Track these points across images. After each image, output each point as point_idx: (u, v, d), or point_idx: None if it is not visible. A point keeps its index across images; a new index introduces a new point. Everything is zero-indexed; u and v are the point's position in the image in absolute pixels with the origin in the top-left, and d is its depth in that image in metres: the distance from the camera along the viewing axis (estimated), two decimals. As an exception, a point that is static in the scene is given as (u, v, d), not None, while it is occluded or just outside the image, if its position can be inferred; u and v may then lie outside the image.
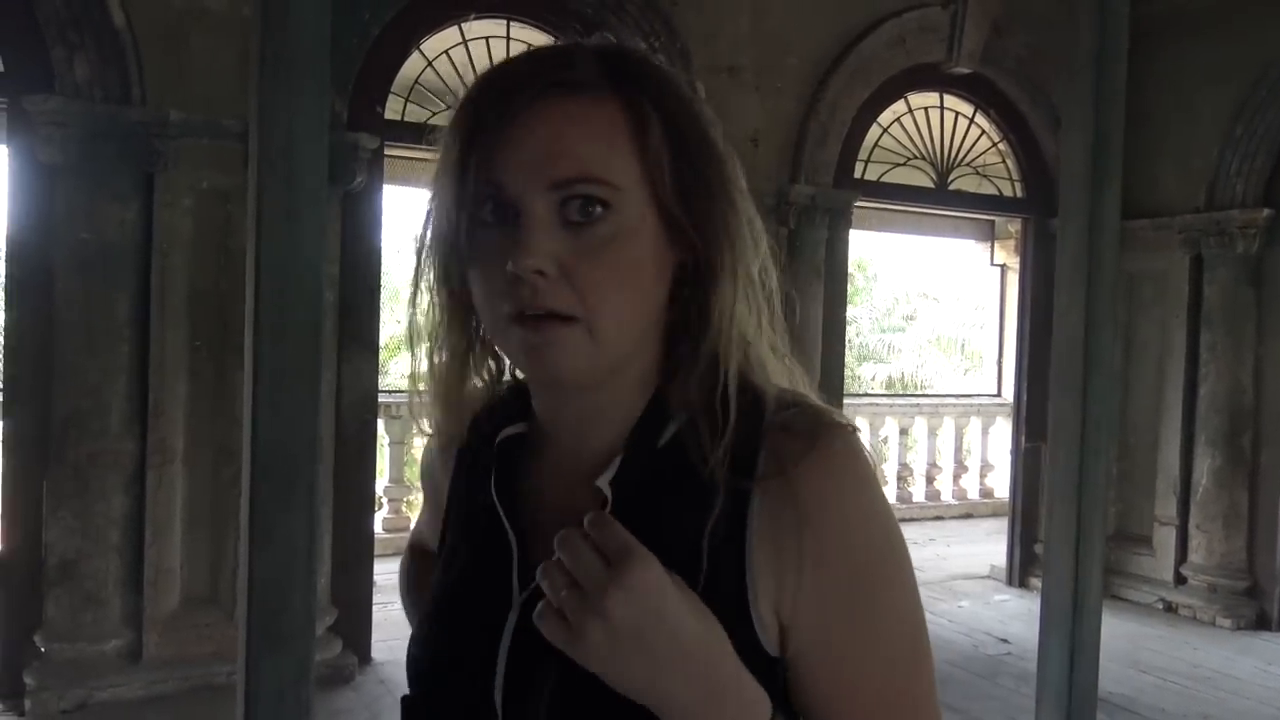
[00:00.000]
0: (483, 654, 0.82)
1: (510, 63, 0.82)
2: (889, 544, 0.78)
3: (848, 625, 0.77)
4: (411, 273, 0.87)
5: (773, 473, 0.77)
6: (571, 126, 0.77)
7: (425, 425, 0.95)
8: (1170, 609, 6.50)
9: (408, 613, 1.14)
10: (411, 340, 0.89)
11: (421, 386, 0.91)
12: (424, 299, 0.87)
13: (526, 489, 0.88)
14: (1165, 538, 6.57)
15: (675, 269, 0.82)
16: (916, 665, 0.80)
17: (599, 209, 0.76)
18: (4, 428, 4.62)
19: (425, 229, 0.86)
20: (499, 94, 0.78)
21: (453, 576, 0.90)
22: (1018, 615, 6.17)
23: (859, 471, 0.78)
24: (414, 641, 0.91)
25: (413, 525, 1.28)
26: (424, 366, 0.89)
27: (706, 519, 0.77)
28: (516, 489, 0.87)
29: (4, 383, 4.65)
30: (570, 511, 0.76)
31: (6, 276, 4.55)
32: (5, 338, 4.60)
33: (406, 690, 0.90)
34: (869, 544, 0.77)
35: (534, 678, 0.78)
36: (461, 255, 0.80)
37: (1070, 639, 2.32)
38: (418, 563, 1.14)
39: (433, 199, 0.84)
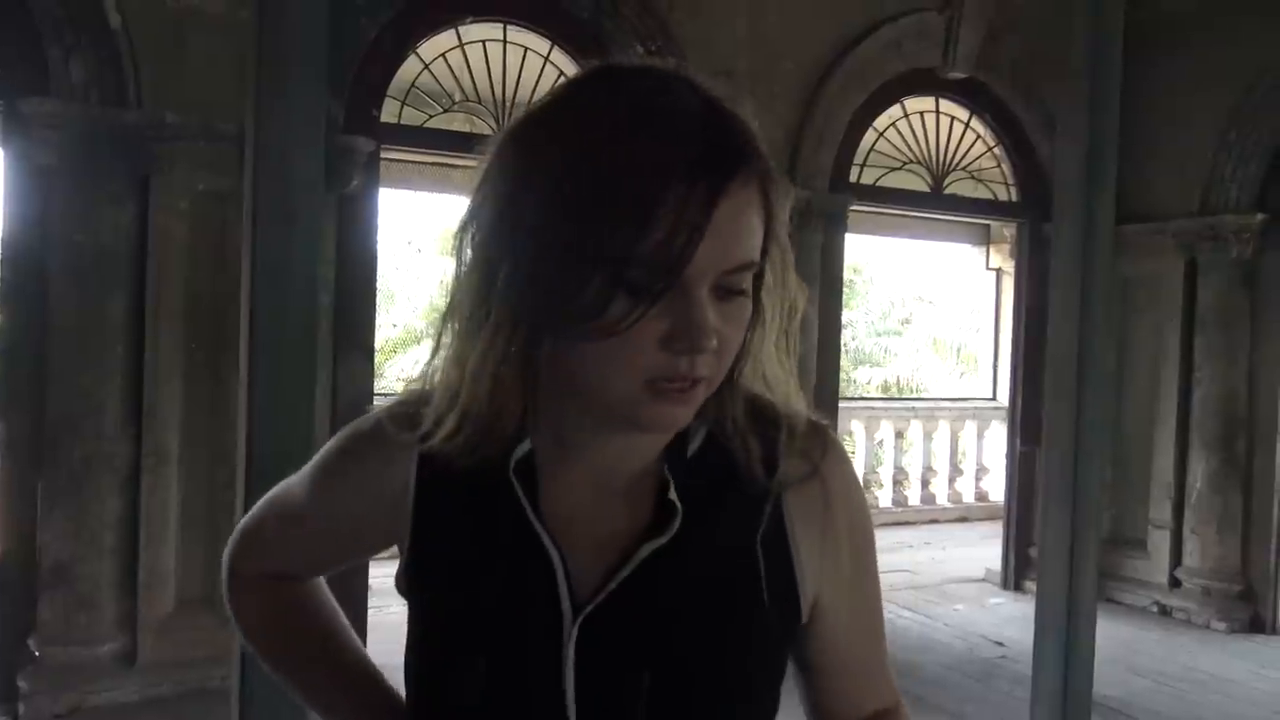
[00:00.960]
0: (544, 676, 0.82)
1: (675, 121, 0.76)
2: (870, 519, 0.99)
3: (856, 586, 0.95)
4: (472, 292, 0.80)
5: (804, 474, 0.89)
6: (749, 212, 0.79)
7: (431, 432, 0.85)
8: (1165, 612, 6.51)
9: (269, 650, 1.09)
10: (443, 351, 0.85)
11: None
12: (479, 322, 0.80)
13: (548, 507, 0.86)
14: (1160, 541, 6.58)
15: None
16: (881, 605, 1.03)
17: (746, 284, 0.80)
18: (-2, 430, 4.61)
19: (509, 257, 0.78)
20: (687, 167, 0.74)
21: (486, 603, 0.86)
22: (1013, 618, 6.18)
23: (851, 464, 0.97)
24: (438, 667, 0.88)
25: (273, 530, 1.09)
26: (464, 383, 0.82)
27: (757, 525, 0.87)
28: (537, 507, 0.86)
29: (-2, 385, 4.64)
30: (606, 526, 0.84)
31: (2, 279, 4.54)
32: (0, 340, 4.58)
33: (400, 695, 0.89)
34: (867, 521, 0.97)
35: (621, 687, 0.82)
36: (576, 312, 0.74)
37: (1065, 642, 2.33)
38: (285, 593, 1.08)
39: (530, 232, 0.76)
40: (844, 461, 0.93)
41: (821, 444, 0.91)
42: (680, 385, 0.77)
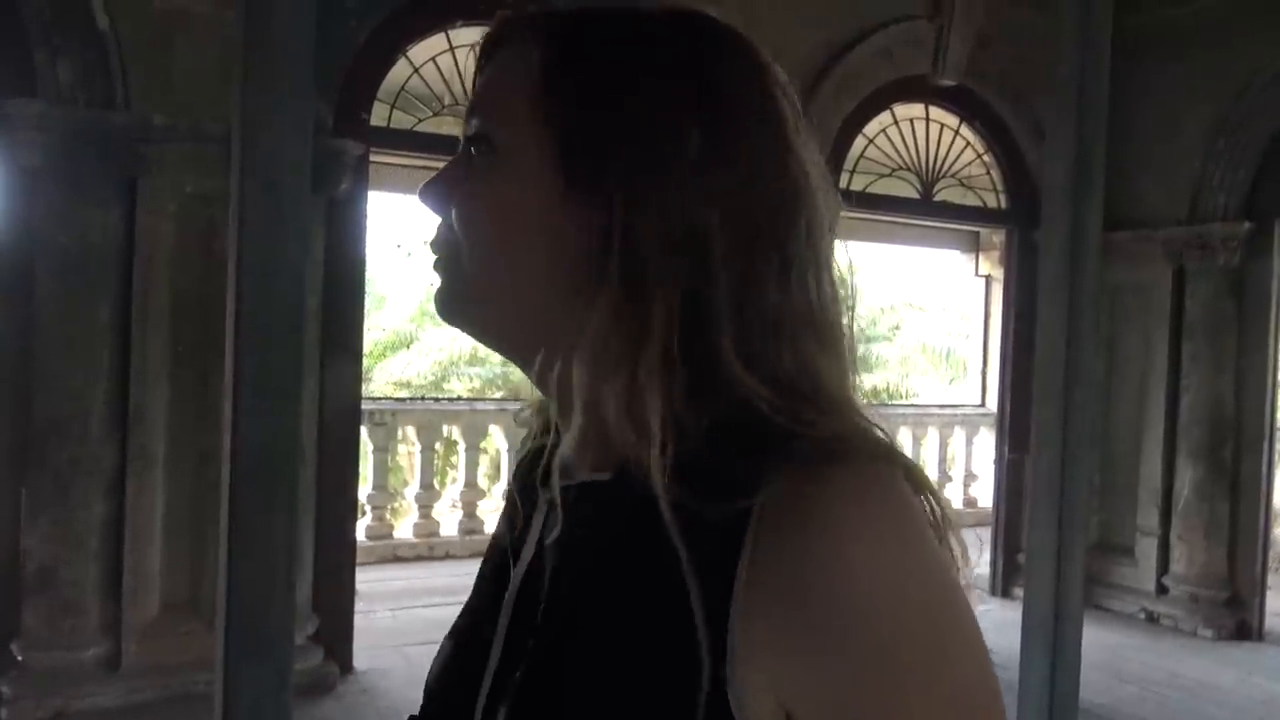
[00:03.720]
0: (476, 664, 0.74)
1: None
2: (927, 619, 0.59)
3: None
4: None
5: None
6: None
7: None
8: (1152, 619, 6.53)
9: None
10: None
11: None
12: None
13: None
14: (1147, 548, 6.60)
15: None
16: None
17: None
18: (-17, 433, 4.58)
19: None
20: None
21: (477, 586, 0.83)
22: (1000, 625, 6.13)
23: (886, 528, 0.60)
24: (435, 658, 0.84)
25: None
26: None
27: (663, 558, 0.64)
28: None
29: (-17, 388, 4.61)
30: None
31: (-13, 280, 4.52)
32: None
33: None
34: (893, 625, 0.58)
35: (497, 686, 0.71)
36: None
37: (1051, 649, 2.33)
38: None
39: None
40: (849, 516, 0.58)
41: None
42: None
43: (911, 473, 0.63)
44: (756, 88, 0.70)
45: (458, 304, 0.73)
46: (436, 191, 0.73)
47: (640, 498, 0.62)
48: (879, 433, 0.66)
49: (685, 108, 0.66)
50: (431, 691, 0.78)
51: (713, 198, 0.65)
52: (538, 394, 0.79)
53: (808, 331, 0.67)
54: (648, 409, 0.63)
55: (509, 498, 0.82)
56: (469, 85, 0.76)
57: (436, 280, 0.74)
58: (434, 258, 0.74)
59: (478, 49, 0.75)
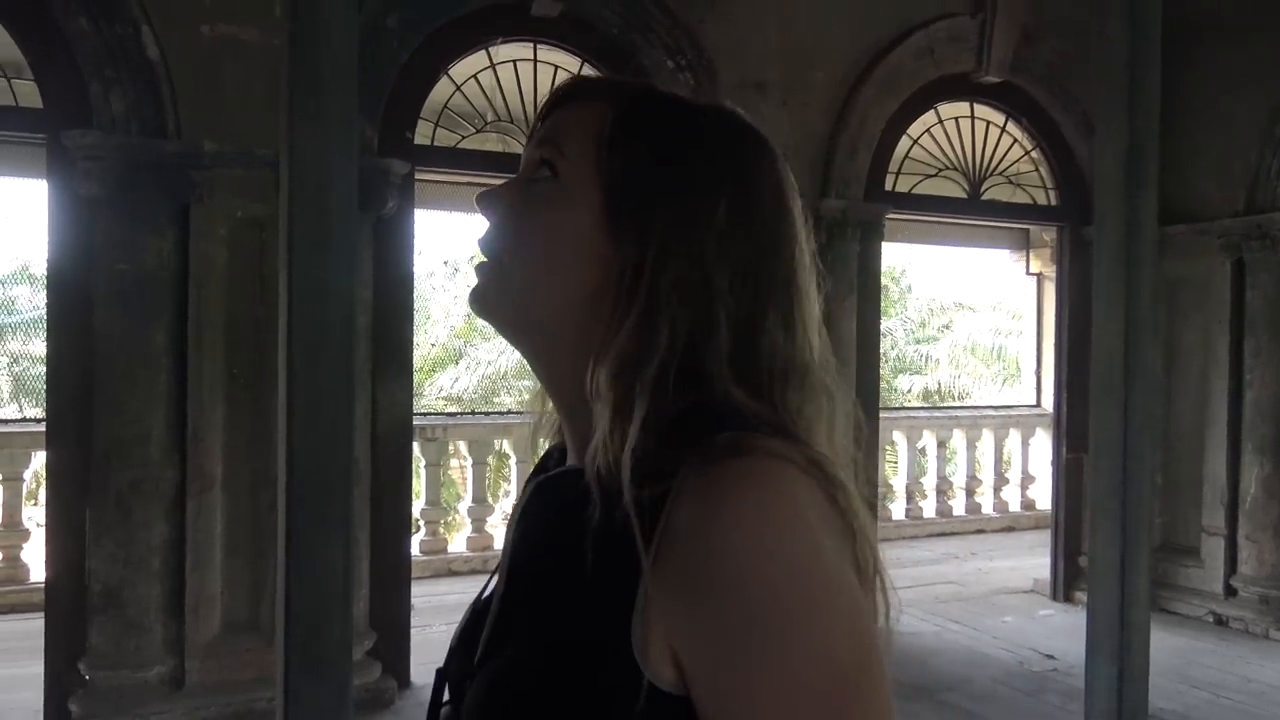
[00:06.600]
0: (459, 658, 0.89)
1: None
2: (790, 588, 0.68)
3: (729, 674, 0.68)
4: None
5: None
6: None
7: None
8: (1220, 622, 6.36)
9: None
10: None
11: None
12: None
13: None
14: (1214, 549, 6.43)
15: None
16: None
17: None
18: (47, 458, 4.69)
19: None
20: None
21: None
22: (1063, 630, 6.07)
23: (763, 509, 0.70)
24: None
25: None
26: None
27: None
28: None
29: (46, 413, 4.72)
30: None
31: (47, 309, 4.63)
32: (47, 369, 4.67)
33: None
34: (746, 586, 0.68)
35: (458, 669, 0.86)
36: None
37: (1118, 654, 2.27)
38: None
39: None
40: (730, 490, 0.69)
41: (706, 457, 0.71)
42: None
43: (828, 479, 0.73)
44: (774, 180, 0.86)
45: (492, 300, 0.87)
46: (496, 202, 0.87)
47: (603, 479, 0.75)
48: (804, 448, 0.75)
49: (719, 185, 0.82)
50: (452, 649, 0.91)
51: (728, 260, 0.80)
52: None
53: (792, 378, 0.81)
54: (633, 414, 0.75)
55: (525, 483, 0.95)
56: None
57: (477, 277, 0.87)
58: (481, 257, 0.87)
59: (552, 95, 0.90)
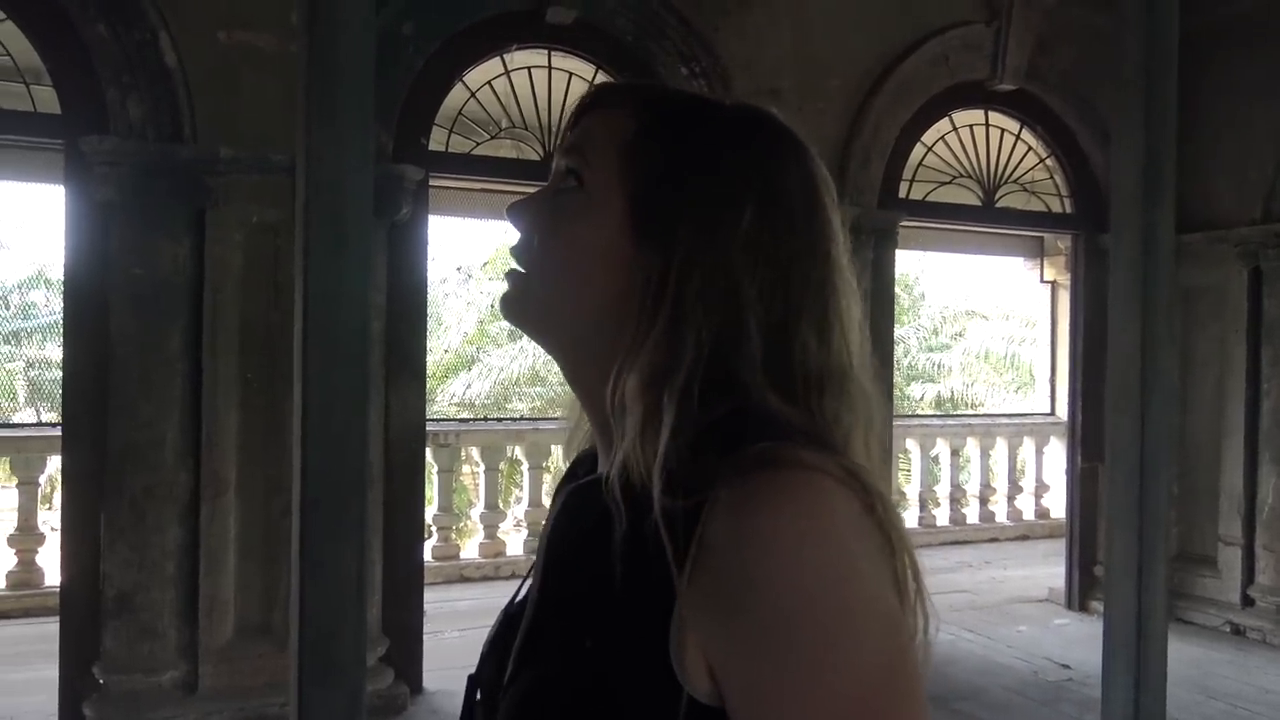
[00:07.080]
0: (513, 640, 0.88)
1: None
2: (826, 606, 0.67)
3: (764, 688, 0.67)
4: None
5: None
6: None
7: None
8: (1238, 632, 6.31)
9: None
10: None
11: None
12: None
13: None
14: (1231, 558, 6.38)
15: None
16: None
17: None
18: (62, 462, 4.71)
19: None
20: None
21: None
22: (1078, 640, 6.02)
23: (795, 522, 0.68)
24: None
25: None
26: None
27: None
28: None
29: (62, 418, 4.75)
30: None
31: (64, 313, 4.66)
32: (63, 373, 4.70)
33: None
34: (778, 597, 0.67)
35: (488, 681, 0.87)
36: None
37: (1135, 665, 2.25)
38: None
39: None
40: (765, 504, 0.68)
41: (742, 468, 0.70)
42: None
43: (865, 490, 0.71)
44: (805, 180, 0.84)
45: (520, 309, 0.87)
46: (525, 212, 0.87)
47: (633, 489, 0.73)
48: (840, 459, 0.73)
49: (744, 190, 0.80)
50: (484, 656, 0.90)
51: (756, 266, 0.79)
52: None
53: (829, 384, 0.80)
54: (662, 424, 0.74)
55: (555, 491, 0.95)
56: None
57: (508, 284, 0.87)
58: (512, 264, 0.87)
59: (580, 102, 0.89)
